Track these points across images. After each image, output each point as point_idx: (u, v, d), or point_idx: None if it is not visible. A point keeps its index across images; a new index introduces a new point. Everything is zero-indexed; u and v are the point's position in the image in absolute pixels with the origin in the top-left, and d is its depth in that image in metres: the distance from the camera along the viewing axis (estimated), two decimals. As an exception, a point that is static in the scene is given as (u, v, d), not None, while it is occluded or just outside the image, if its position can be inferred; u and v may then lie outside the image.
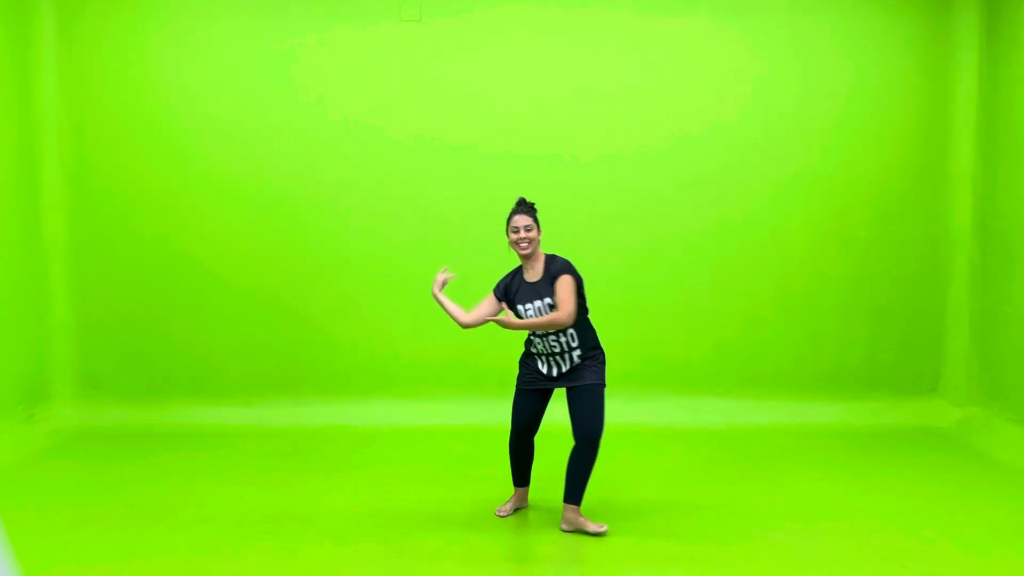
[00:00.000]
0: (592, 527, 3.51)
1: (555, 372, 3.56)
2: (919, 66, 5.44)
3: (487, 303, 3.64)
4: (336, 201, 5.46)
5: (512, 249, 3.60)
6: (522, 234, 3.50)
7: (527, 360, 3.68)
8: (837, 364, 5.56)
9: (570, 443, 4.65)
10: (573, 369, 3.54)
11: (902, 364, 5.58)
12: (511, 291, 3.62)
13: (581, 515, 3.55)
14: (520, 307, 3.56)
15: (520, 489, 3.80)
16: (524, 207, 3.57)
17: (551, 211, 5.45)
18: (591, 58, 5.42)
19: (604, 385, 3.54)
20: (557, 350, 3.53)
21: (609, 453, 4.56)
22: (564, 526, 3.56)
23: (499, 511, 3.77)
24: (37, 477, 4.41)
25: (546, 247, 5.46)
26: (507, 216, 3.61)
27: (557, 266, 3.52)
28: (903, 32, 5.42)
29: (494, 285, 3.70)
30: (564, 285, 3.46)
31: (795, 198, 5.49)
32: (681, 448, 4.93)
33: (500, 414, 5.33)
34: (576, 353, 3.53)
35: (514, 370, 5.40)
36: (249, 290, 5.48)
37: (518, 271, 3.66)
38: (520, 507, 3.83)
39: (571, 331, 3.51)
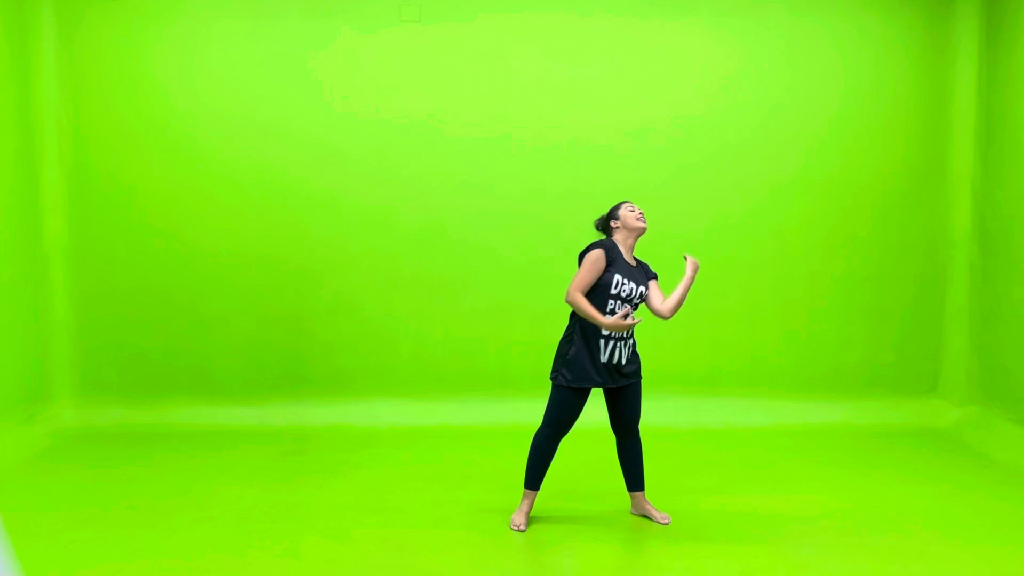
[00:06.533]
0: (658, 516, 3.73)
1: (615, 359, 3.52)
2: (919, 66, 5.44)
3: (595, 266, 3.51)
4: (336, 201, 5.46)
5: (624, 228, 3.58)
6: (639, 211, 3.62)
7: (580, 354, 3.51)
8: (837, 364, 5.57)
9: (587, 445, 4.64)
10: (628, 364, 3.59)
11: (902, 364, 5.58)
12: (613, 257, 3.53)
13: (647, 500, 3.80)
14: (619, 276, 3.49)
15: (533, 493, 3.67)
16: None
17: (552, 211, 5.48)
18: (591, 60, 5.42)
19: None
20: (627, 334, 3.56)
21: (609, 453, 4.56)
22: (633, 511, 3.82)
23: (517, 525, 3.61)
24: (37, 477, 4.41)
25: (547, 246, 5.50)
26: (612, 209, 3.66)
27: (650, 268, 3.72)
28: (903, 32, 5.42)
29: (582, 253, 3.55)
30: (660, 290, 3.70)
31: (795, 198, 5.49)
32: (681, 448, 4.93)
33: (500, 414, 5.36)
34: (632, 342, 3.60)
35: (514, 370, 5.47)
36: (249, 290, 5.49)
37: (613, 244, 3.57)
38: (528, 515, 3.71)
39: None
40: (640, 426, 3.81)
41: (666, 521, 3.68)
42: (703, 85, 5.44)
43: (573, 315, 3.58)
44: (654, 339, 5.50)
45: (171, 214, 5.45)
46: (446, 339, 5.53)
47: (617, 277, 3.50)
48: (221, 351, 5.51)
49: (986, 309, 5.28)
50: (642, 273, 3.65)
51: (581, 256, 3.55)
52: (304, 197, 5.45)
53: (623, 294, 3.51)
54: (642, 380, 3.70)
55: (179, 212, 5.45)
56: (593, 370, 3.53)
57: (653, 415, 5.26)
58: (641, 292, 3.57)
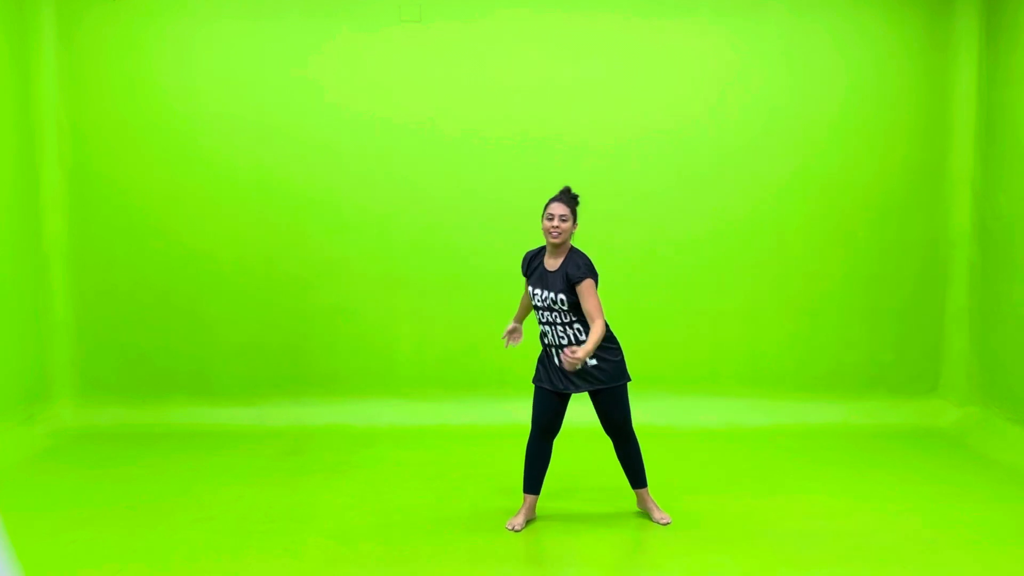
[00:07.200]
0: (657, 515, 3.71)
1: (559, 364, 3.51)
2: (919, 66, 5.44)
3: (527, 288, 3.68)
4: (336, 201, 5.46)
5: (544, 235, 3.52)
6: (556, 222, 3.43)
7: (542, 357, 3.65)
8: (837, 364, 5.56)
9: (586, 445, 4.63)
10: (583, 371, 3.46)
11: (902, 364, 5.58)
12: (530, 268, 3.64)
13: (650, 497, 3.77)
14: (530, 288, 3.58)
15: (531, 497, 3.65)
16: (565, 196, 3.49)
17: (551, 211, 5.46)
18: (591, 59, 5.41)
19: (622, 380, 3.53)
20: (564, 342, 3.47)
21: (608, 453, 4.56)
22: (638, 506, 3.81)
23: (512, 525, 3.60)
24: (37, 477, 4.41)
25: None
26: (546, 202, 3.52)
27: (574, 268, 3.40)
28: (903, 32, 5.42)
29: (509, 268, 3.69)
30: (588, 294, 3.37)
31: (795, 198, 5.49)
32: (681, 448, 4.93)
33: (500, 414, 5.35)
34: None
35: (514, 370, 5.46)
36: (249, 290, 5.48)
37: (543, 250, 3.63)
38: (530, 519, 3.69)
39: (577, 325, 3.46)
40: (640, 426, 3.81)
41: (666, 521, 3.68)
42: (703, 85, 5.44)
43: None
44: (655, 339, 5.50)
45: (171, 214, 5.44)
46: (446, 340, 5.52)
47: (530, 288, 3.59)
48: (221, 351, 5.51)
49: (986, 309, 5.28)
50: (560, 275, 3.43)
51: None
52: (304, 197, 5.45)
53: (538, 303, 3.54)
54: (626, 384, 3.55)
55: (179, 212, 5.44)
56: (551, 373, 3.57)
57: (654, 415, 5.25)
58: (558, 299, 3.42)
